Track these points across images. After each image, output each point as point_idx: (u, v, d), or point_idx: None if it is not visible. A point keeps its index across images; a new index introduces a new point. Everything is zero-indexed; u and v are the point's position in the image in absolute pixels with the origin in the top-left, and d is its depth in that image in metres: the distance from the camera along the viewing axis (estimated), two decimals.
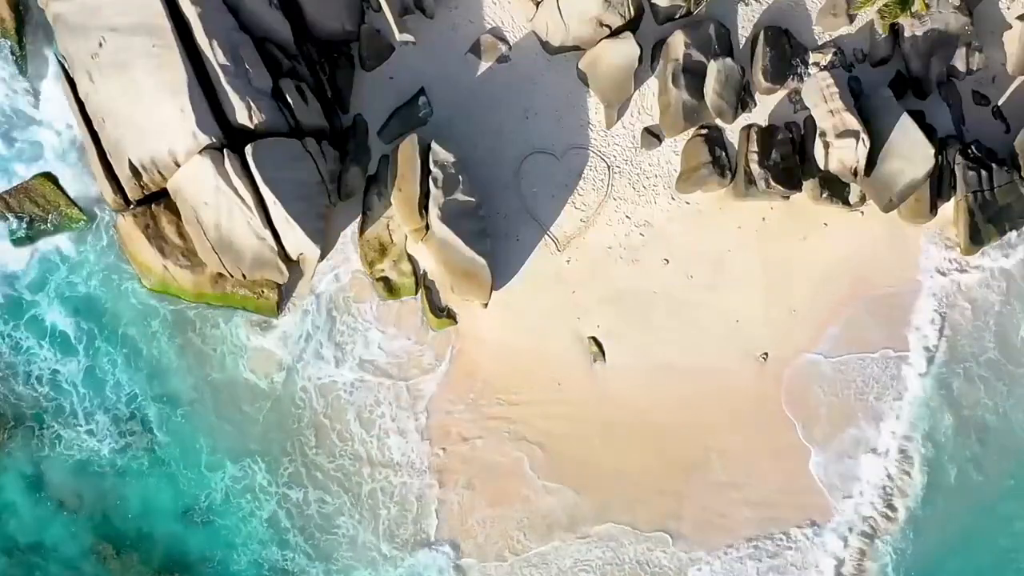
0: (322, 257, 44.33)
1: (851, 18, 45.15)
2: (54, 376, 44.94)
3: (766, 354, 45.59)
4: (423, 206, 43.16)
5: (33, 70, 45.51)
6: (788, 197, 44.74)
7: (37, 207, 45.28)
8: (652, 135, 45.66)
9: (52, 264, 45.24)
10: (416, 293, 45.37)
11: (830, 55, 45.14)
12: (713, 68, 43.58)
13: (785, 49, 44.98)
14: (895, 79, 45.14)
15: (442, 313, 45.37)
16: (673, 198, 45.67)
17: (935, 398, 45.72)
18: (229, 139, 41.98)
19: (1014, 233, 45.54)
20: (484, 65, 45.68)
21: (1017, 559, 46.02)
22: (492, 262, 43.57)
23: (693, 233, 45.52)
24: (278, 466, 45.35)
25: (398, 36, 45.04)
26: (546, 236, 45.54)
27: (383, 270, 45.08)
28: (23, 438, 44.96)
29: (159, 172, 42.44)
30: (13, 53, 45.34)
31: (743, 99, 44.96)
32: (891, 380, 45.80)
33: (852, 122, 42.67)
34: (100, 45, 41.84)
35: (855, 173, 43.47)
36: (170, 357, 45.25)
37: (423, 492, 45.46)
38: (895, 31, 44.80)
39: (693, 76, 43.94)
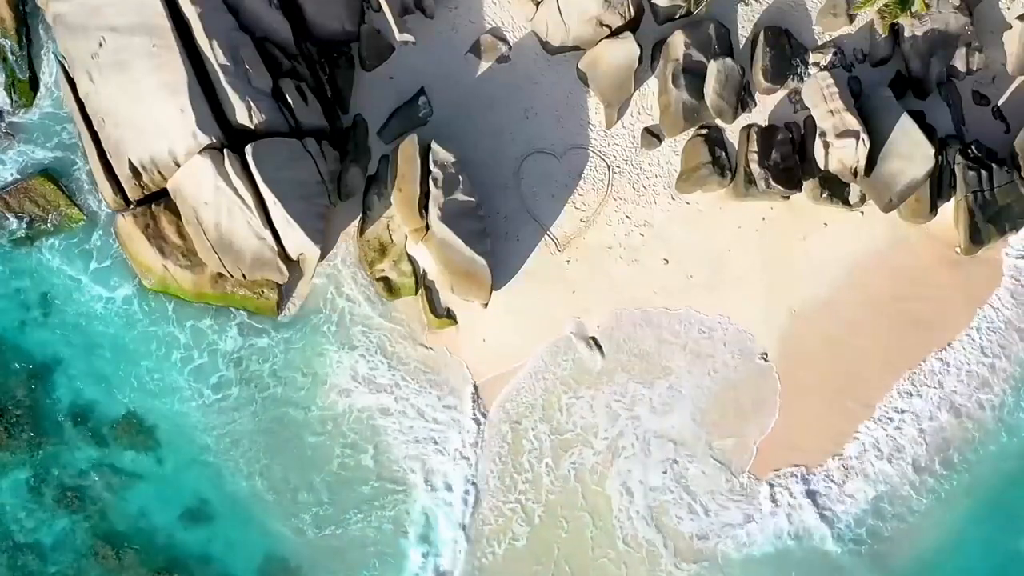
0: (322, 257, 44.36)
1: (851, 18, 45.17)
2: None
3: (766, 354, 45.60)
4: (423, 206, 43.16)
5: (33, 70, 45.56)
6: (788, 197, 44.75)
7: (37, 207, 45.27)
8: (652, 135, 45.67)
9: None
10: (416, 293, 45.35)
11: (830, 55, 45.16)
12: (713, 68, 43.58)
13: (785, 49, 44.99)
14: (895, 79, 45.16)
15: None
16: (673, 198, 45.67)
17: None
18: (229, 139, 41.98)
19: (1014, 233, 45.58)
20: (484, 65, 45.68)
21: None
22: (492, 262, 43.55)
23: (693, 233, 45.52)
24: None
25: (398, 36, 45.05)
26: (546, 236, 45.53)
27: (383, 270, 45.06)
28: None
29: (159, 172, 42.45)
30: (13, 53, 45.34)
31: (743, 99, 44.98)
32: None
33: (852, 122, 42.68)
34: (100, 45, 41.85)
35: (855, 173, 43.48)
36: None
37: None
38: (895, 31, 44.82)
39: (693, 76, 43.96)
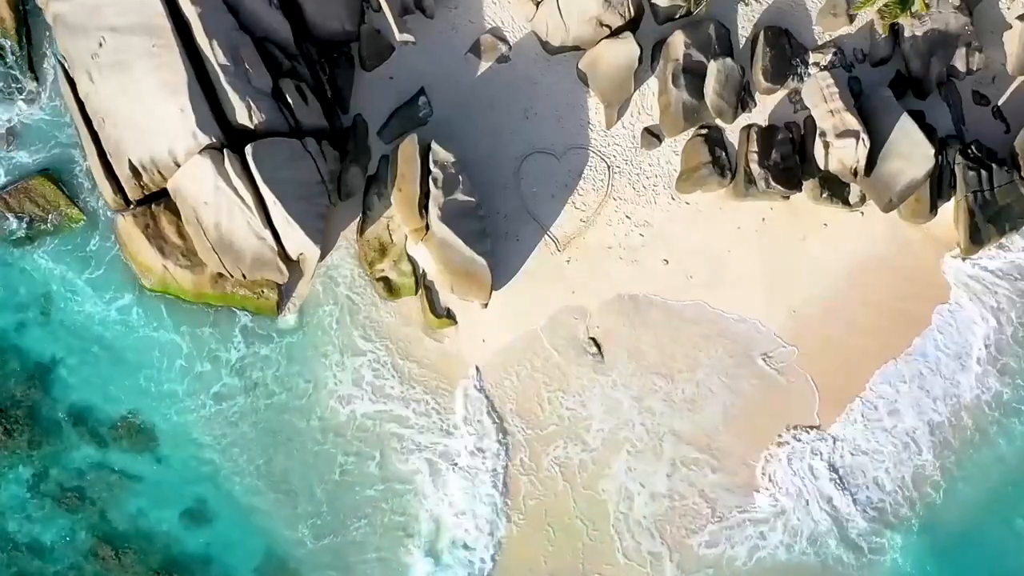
0: (322, 257, 44.35)
1: (851, 18, 45.19)
2: None
3: (767, 354, 45.60)
4: (423, 206, 43.16)
5: (33, 70, 45.53)
6: (788, 197, 44.76)
7: (37, 207, 45.24)
8: (652, 135, 45.67)
9: None
10: (416, 293, 45.33)
11: (830, 55, 45.16)
12: (713, 68, 43.59)
13: (785, 49, 45.00)
14: (895, 79, 45.17)
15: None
16: (673, 198, 45.67)
17: None
18: (229, 139, 41.98)
19: (1015, 233, 45.58)
20: (484, 65, 45.69)
21: None
22: (492, 262, 43.54)
23: (693, 233, 45.50)
24: None
25: (398, 36, 45.05)
26: (546, 236, 45.53)
27: (383, 270, 45.04)
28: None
29: (159, 172, 42.45)
30: (13, 53, 45.33)
31: (743, 99, 44.98)
32: None
33: (852, 122, 42.69)
34: (100, 45, 41.85)
35: (855, 173, 43.49)
36: None
37: None
38: (895, 31, 44.83)
39: (693, 76, 43.96)
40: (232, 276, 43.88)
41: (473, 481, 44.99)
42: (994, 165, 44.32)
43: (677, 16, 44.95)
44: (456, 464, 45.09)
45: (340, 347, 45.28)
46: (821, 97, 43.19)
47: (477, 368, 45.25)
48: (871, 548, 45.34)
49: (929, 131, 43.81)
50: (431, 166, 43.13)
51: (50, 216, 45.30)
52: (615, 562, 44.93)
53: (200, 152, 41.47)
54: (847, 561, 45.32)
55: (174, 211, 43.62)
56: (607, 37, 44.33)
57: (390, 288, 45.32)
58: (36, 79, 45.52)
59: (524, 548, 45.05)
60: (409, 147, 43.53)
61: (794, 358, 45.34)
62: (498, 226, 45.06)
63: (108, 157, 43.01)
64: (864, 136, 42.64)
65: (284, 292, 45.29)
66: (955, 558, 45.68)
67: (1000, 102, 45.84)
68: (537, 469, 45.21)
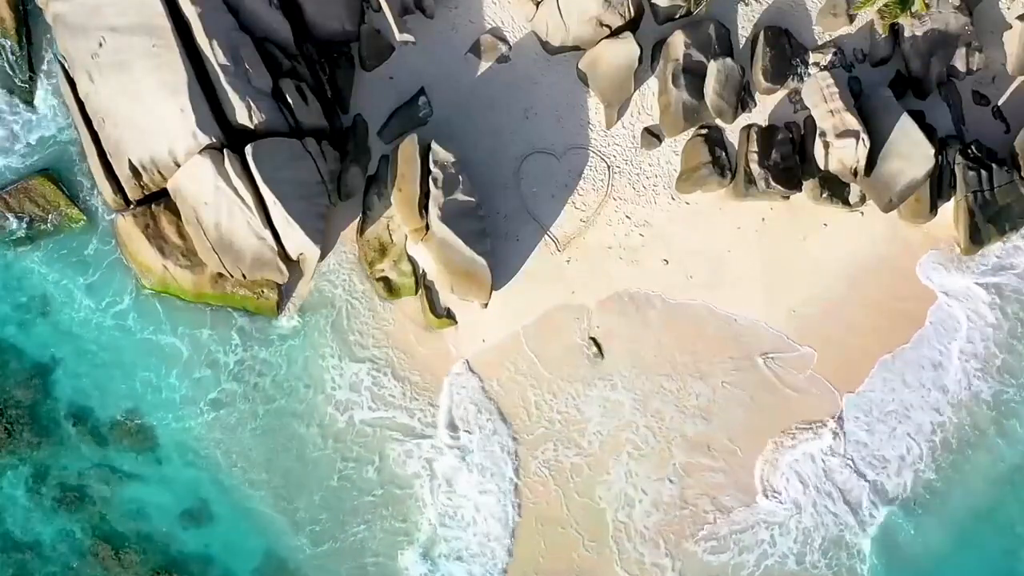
0: (322, 257, 44.34)
1: (851, 18, 45.20)
2: None
3: (772, 355, 45.57)
4: (423, 206, 43.16)
5: (33, 70, 45.52)
6: (788, 197, 44.76)
7: (37, 207, 45.23)
8: (652, 135, 45.67)
9: None
10: (416, 293, 45.33)
11: (830, 55, 45.17)
12: (713, 68, 43.60)
13: (785, 49, 45.00)
14: (895, 79, 45.17)
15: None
16: (673, 198, 45.67)
17: None
18: (229, 139, 41.99)
19: (1015, 233, 45.57)
20: (484, 65, 45.69)
21: None
22: (492, 262, 43.53)
23: (693, 233, 45.49)
24: None
25: (398, 36, 45.06)
26: (546, 236, 45.53)
27: (383, 270, 45.04)
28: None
29: (159, 172, 42.46)
30: (13, 53, 45.33)
31: (743, 99, 44.99)
32: None
33: (852, 122, 42.69)
34: (100, 45, 41.86)
35: (855, 173, 43.49)
36: None
37: None
38: (895, 31, 44.84)
39: (693, 76, 43.97)
40: (232, 276, 43.88)
41: (474, 483, 45.00)
42: (994, 165, 44.33)
43: (677, 16, 44.96)
44: (457, 465, 45.07)
45: (339, 351, 45.22)
46: (821, 97, 43.20)
47: (469, 366, 45.22)
48: (877, 550, 45.29)
49: (929, 131, 43.81)
50: (431, 166, 43.14)
51: (50, 216, 45.28)
52: (614, 575, 44.82)
53: (200, 152, 41.48)
54: (858, 571, 45.22)
55: (174, 211, 43.63)
56: (607, 37, 44.34)
57: (390, 288, 45.32)
58: (36, 79, 45.57)
59: (514, 559, 44.93)
60: (409, 147, 43.53)
61: (813, 361, 45.26)
62: (498, 226, 45.05)
63: (108, 157, 43.02)
64: (864, 136, 42.64)
65: (284, 292, 45.29)
66: (960, 559, 45.73)
67: (1000, 102, 45.84)
68: (526, 473, 45.16)
